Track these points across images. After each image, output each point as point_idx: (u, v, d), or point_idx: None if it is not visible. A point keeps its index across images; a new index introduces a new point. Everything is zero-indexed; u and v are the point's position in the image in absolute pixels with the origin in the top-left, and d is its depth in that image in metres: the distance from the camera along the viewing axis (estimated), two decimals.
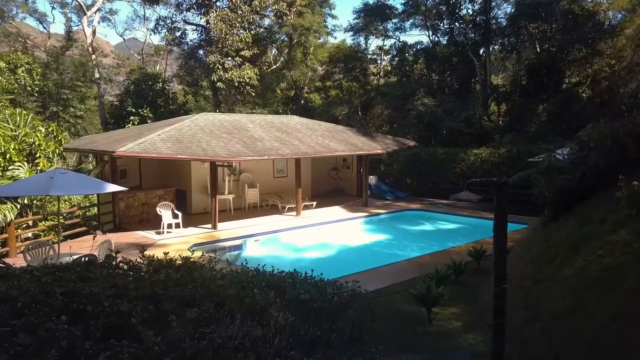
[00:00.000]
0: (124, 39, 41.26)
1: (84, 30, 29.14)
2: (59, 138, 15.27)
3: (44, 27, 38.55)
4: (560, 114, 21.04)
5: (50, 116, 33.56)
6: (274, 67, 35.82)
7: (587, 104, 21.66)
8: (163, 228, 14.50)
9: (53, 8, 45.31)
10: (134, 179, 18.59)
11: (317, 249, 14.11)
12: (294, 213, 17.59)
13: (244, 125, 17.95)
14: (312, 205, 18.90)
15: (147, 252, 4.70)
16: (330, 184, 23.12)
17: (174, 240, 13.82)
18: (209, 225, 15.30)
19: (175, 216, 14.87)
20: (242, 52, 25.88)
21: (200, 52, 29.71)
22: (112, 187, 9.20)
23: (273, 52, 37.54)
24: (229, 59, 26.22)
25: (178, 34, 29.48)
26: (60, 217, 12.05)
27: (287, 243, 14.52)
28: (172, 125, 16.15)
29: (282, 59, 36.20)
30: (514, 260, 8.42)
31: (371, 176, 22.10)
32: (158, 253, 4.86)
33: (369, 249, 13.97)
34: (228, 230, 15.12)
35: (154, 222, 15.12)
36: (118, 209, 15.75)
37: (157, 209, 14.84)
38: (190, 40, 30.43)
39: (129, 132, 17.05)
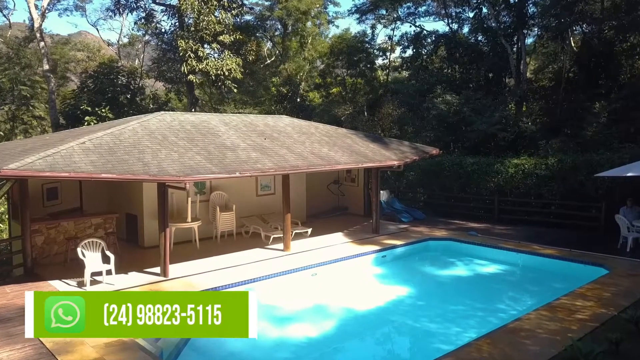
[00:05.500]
0: (97, 29, 36.75)
1: (30, 12, 24.34)
2: None
3: (4, 16, 34.13)
4: (626, 114, 16.37)
5: (12, 117, 29.38)
6: (268, 62, 31.31)
7: None
8: (86, 278, 9.96)
9: None
10: (70, 199, 13.98)
11: (308, 317, 9.42)
12: (282, 245, 13.06)
13: (214, 129, 13.38)
14: (307, 232, 14.34)
15: None
16: (330, 201, 18.56)
17: None
18: (159, 269, 10.81)
19: (106, 260, 10.32)
20: (221, 37, 21.11)
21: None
22: None
23: (267, 45, 33.03)
24: (206, 45, 21.48)
25: (143, 14, 24.74)
26: None
27: (264, 304, 9.89)
28: (109, 129, 11.58)
29: (277, 52, 31.69)
30: None
31: (381, 191, 17.49)
32: None
33: (386, 318, 9.30)
34: (183, 278, 10.56)
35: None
36: (30, 247, 11.15)
37: (79, 250, 10.25)
38: (159, 23, 25.66)
39: (51, 139, 12.49)
